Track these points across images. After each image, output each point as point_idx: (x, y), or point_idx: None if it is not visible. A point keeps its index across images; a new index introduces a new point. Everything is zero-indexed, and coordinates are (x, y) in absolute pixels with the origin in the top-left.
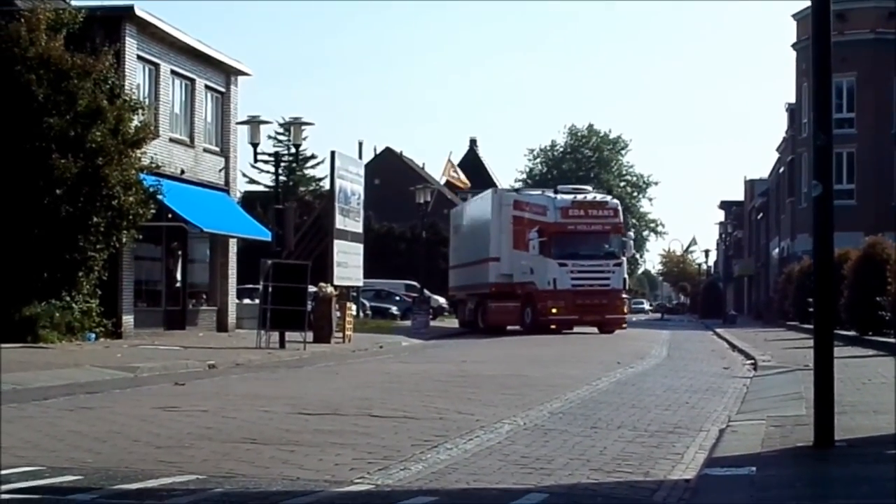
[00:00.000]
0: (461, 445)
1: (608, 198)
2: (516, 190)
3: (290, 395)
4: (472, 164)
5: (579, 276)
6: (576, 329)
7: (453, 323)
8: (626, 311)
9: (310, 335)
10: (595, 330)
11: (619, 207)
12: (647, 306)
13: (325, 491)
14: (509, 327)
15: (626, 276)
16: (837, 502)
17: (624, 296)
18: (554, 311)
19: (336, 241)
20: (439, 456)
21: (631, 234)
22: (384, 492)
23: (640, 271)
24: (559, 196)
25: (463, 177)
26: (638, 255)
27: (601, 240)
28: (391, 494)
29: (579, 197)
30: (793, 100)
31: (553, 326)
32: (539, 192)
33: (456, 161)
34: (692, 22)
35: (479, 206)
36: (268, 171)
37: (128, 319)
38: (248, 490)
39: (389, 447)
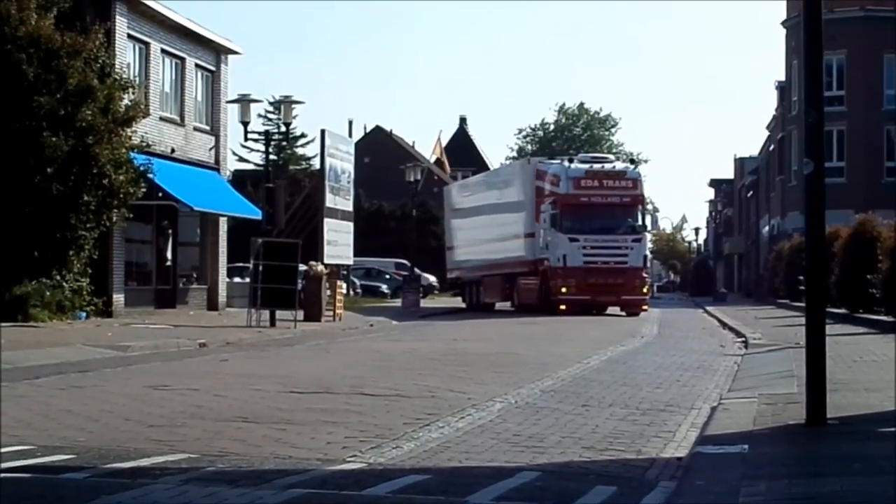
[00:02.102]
0: (453, 424)
1: (628, 167)
2: (540, 160)
3: (282, 373)
4: (461, 142)
5: (592, 252)
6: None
7: (443, 302)
8: (647, 291)
9: (300, 314)
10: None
11: (641, 178)
12: None
13: (317, 469)
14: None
15: (647, 253)
16: (830, 480)
17: (645, 275)
18: (564, 290)
19: (326, 220)
20: (431, 434)
21: (651, 207)
22: (377, 470)
23: None
24: (573, 165)
25: (445, 160)
26: None
27: (618, 213)
28: (383, 473)
29: (596, 166)
30: (782, 77)
31: (563, 307)
32: (558, 161)
33: (446, 139)
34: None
35: (503, 178)
36: (258, 150)
37: (118, 298)
38: (241, 469)
39: (381, 426)
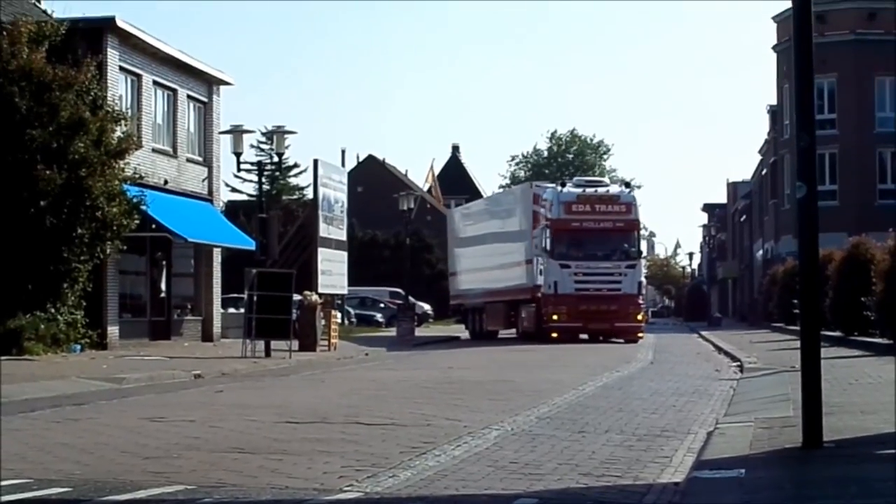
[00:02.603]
0: (449, 452)
1: (623, 190)
2: (538, 184)
3: (277, 403)
4: (454, 170)
5: (584, 279)
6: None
7: (438, 330)
8: (642, 318)
9: (295, 344)
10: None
11: (635, 202)
12: None
13: (314, 499)
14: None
15: (642, 279)
16: (826, 503)
17: (640, 301)
18: (555, 317)
19: (320, 249)
20: (428, 462)
21: (651, 231)
22: (373, 499)
23: None
24: (565, 189)
25: (438, 192)
26: None
27: (611, 239)
28: (380, 502)
29: (589, 190)
30: (774, 102)
31: (554, 335)
32: (553, 185)
33: (438, 167)
34: (673, 24)
35: (504, 203)
36: (251, 181)
37: (113, 330)
38: (237, 499)
39: (378, 454)
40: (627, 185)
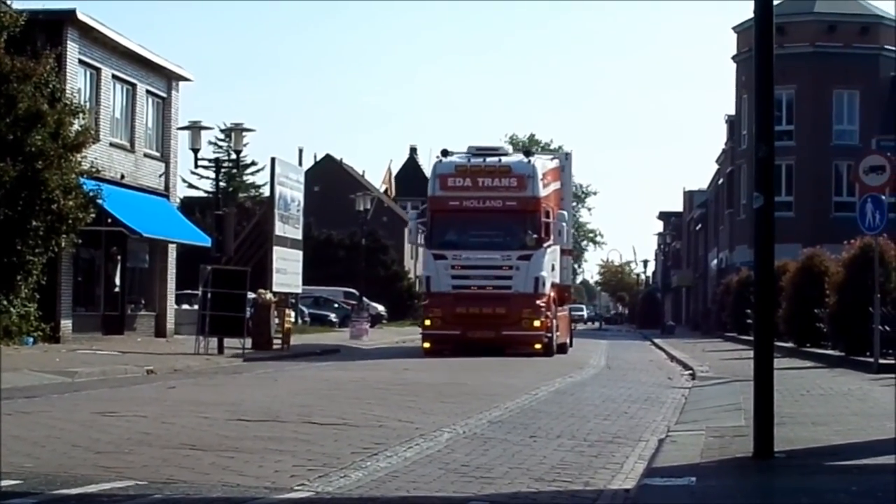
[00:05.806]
0: (401, 453)
1: (520, 159)
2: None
3: (230, 401)
4: (412, 171)
5: (463, 273)
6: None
7: (391, 332)
8: (542, 324)
9: (248, 341)
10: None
11: (536, 174)
12: (585, 314)
13: (265, 498)
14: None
15: (543, 273)
16: None
17: (540, 304)
18: (427, 323)
19: (275, 248)
20: (379, 464)
21: (565, 213)
22: (324, 499)
23: (578, 281)
24: (445, 159)
25: (392, 187)
26: (576, 265)
27: (501, 222)
28: (331, 502)
29: (474, 160)
30: (732, 111)
31: (427, 345)
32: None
33: (396, 169)
34: (632, 33)
35: None
36: (208, 177)
37: (66, 324)
38: (188, 496)
39: (329, 454)
40: (528, 153)
